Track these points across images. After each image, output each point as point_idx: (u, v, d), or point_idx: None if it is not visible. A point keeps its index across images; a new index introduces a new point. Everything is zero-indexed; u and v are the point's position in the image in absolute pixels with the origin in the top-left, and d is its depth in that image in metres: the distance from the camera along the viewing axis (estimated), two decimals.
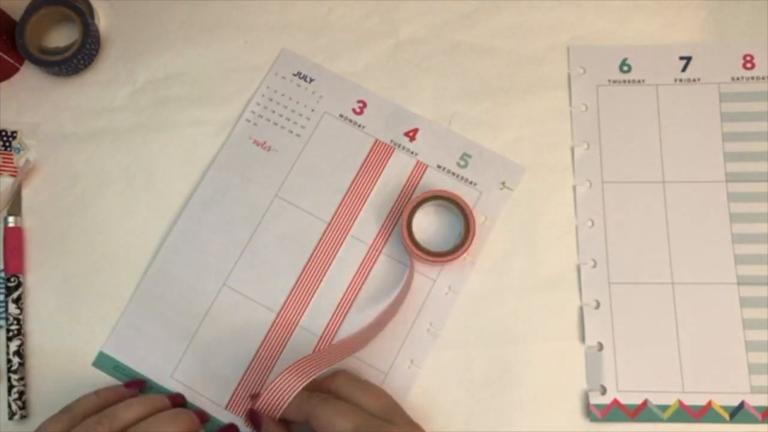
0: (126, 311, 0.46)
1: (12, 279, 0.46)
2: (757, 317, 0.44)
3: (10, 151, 0.49)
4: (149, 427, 0.40)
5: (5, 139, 0.50)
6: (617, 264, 0.46)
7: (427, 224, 0.47)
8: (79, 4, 0.50)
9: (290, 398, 0.39)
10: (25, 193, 0.49)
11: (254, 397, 0.43)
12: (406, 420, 0.40)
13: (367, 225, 0.47)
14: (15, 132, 0.50)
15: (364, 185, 0.48)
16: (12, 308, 0.46)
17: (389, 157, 0.48)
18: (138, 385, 0.44)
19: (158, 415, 0.41)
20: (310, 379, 0.40)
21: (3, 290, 0.47)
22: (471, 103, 0.49)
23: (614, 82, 0.49)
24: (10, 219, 0.48)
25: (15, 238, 0.47)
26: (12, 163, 0.49)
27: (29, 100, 0.50)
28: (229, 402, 0.45)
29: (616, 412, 0.44)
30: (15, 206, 0.48)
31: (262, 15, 0.51)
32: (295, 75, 0.50)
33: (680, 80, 0.48)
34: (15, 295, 0.46)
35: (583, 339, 0.45)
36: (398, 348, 0.45)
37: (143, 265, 0.47)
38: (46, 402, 0.45)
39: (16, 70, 0.51)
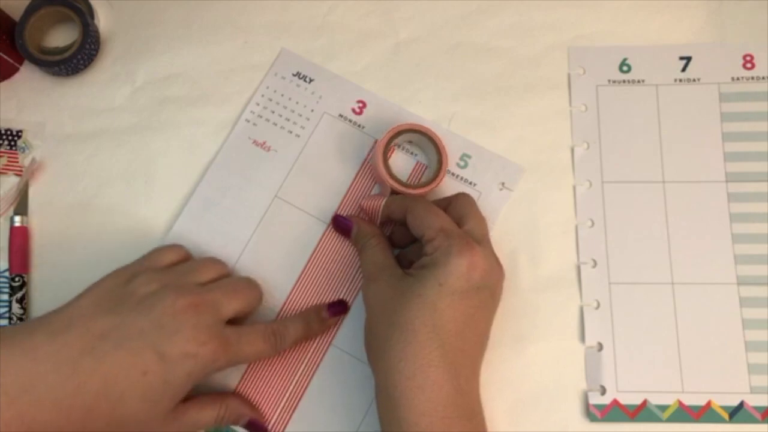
0: None
1: (16, 278, 0.46)
2: (757, 317, 0.44)
3: (16, 150, 0.49)
4: (231, 283, 0.42)
5: (10, 138, 0.50)
6: (617, 264, 0.46)
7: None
8: (78, 4, 0.50)
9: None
10: (30, 193, 0.49)
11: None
12: (491, 251, 0.41)
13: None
14: (20, 131, 0.50)
15: (364, 185, 0.48)
16: (15, 308, 0.46)
17: (389, 158, 0.48)
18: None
19: (235, 277, 0.44)
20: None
21: (7, 290, 0.47)
22: (471, 103, 0.49)
23: (614, 82, 0.49)
24: (17, 218, 0.48)
25: (21, 238, 0.47)
26: (17, 162, 0.49)
27: (29, 100, 0.50)
28: None
29: (616, 412, 0.44)
30: (21, 206, 0.48)
31: (262, 15, 0.51)
32: (294, 75, 0.50)
33: (680, 80, 0.48)
34: (19, 295, 0.46)
35: (583, 339, 0.45)
36: None
37: None
38: None
39: (16, 70, 0.51)
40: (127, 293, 0.39)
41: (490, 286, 0.40)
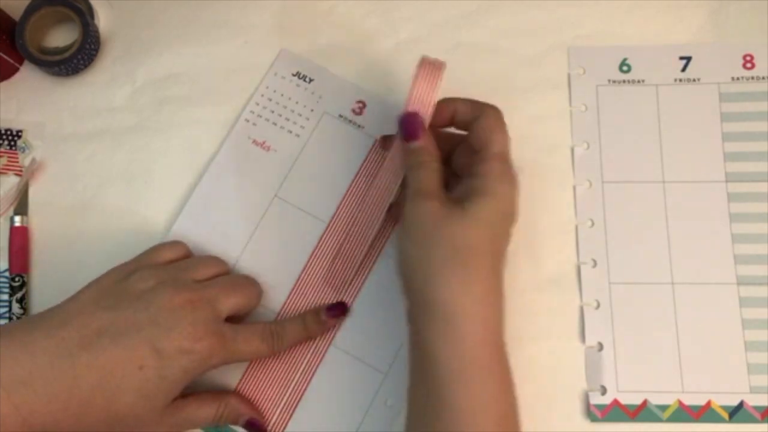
0: None
1: (16, 278, 0.46)
2: (757, 317, 0.44)
3: (16, 150, 0.49)
4: (230, 280, 0.43)
5: (10, 138, 0.50)
6: (617, 264, 0.46)
7: None
8: (78, 5, 0.50)
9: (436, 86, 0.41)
10: (30, 193, 0.49)
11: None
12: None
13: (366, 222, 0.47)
14: (20, 131, 0.50)
15: (364, 185, 0.48)
16: (15, 308, 0.46)
17: (388, 156, 0.48)
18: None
19: (234, 274, 0.45)
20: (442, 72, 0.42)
21: (7, 290, 0.47)
22: None
23: (614, 82, 0.49)
24: (17, 218, 0.48)
25: (21, 238, 0.47)
26: (17, 162, 0.49)
27: (29, 100, 0.50)
28: None
29: (617, 412, 0.44)
30: (21, 206, 0.48)
31: (262, 15, 0.51)
32: (294, 75, 0.50)
33: (680, 80, 0.48)
34: (19, 295, 0.46)
35: (583, 339, 0.45)
36: (398, 347, 0.45)
37: None
38: None
39: (16, 70, 0.51)
40: (124, 289, 0.40)
41: (516, 212, 0.40)
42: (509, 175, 0.39)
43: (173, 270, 0.42)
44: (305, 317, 0.44)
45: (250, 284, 0.44)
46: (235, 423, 0.43)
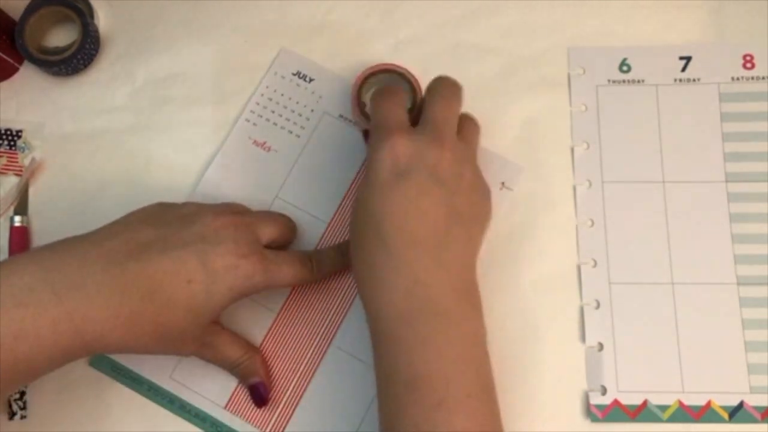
0: None
1: None
2: (757, 317, 0.44)
3: (15, 150, 0.49)
4: (266, 212, 0.45)
5: (10, 138, 0.50)
6: (617, 264, 0.46)
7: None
8: (78, 4, 0.50)
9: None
10: (30, 193, 0.49)
11: None
12: (448, 137, 0.40)
13: None
14: (20, 131, 0.50)
15: None
16: None
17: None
18: None
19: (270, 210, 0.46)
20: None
21: None
22: (471, 103, 0.49)
23: (614, 82, 0.49)
24: (17, 218, 0.48)
25: (21, 238, 0.47)
26: (17, 162, 0.49)
27: (29, 100, 0.50)
28: (228, 401, 0.45)
29: (617, 412, 0.44)
30: (21, 206, 0.48)
31: (262, 15, 0.51)
32: (294, 75, 0.50)
33: (680, 80, 0.48)
34: None
35: (583, 339, 0.45)
36: None
37: None
38: (46, 402, 0.45)
39: (16, 70, 0.51)
40: (169, 211, 0.41)
41: (424, 168, 0.38)
42: (378, 140, 0.39)
43: (212, 204, 0.43)
44: (343, 247, 0.45)
45: (287, 218, 0.45)
46: (245, 379, 0.44)
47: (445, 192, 0.38)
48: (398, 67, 0.47)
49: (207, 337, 0.41)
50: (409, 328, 0.36)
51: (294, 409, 0.45)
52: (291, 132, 0.49)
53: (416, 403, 0.34)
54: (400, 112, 0.41)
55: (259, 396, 0.43)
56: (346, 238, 0.46)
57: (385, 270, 0.37)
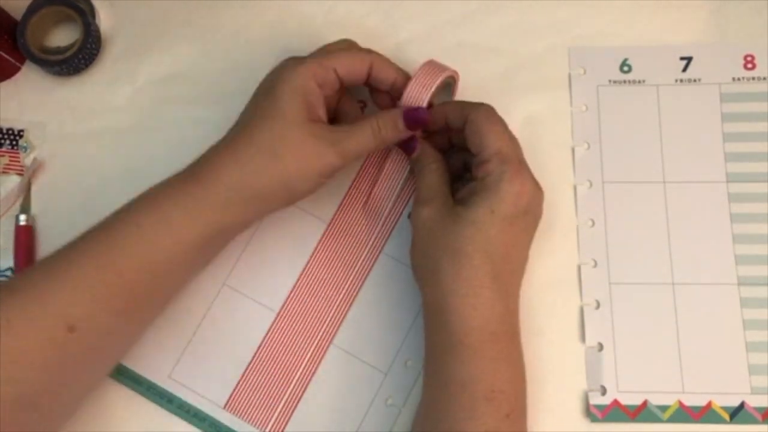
0: None
1: None
2: (758, 318, 0.44)
3: (17, 150, 0.50)
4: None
5: (12, 138, 0.50)
6: (617, 264, 0.46)
7: None
8: (80, 4, 0.50)
9: (433, 85, 0.43)
10: (31, 192, 0.49)
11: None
12: (530, 172, 0.41)
13: (367, 225, 0.47)
14: (22, 131, 0.50)
15: (364, 185, 0.48)
16: None
17: (389, 157, 0.48)
18: None
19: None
20: (443, 75, 0.43)
21: None
22: None
23: (615, 82, 0.49)
24: (22, 217, 0.48)
25: (26, 237, 0.48)
26: (19, 162, 0.49)
27: (30, 100, 0.50)
28: (227, 402, 0.45)
29: (617, 412, 0.43)
30: (24, 205, 0.48)
31: (262, 15, 0.51)
32: None
33: (681, 80, 0.48)
34: None
35: (583, 339, 0.45)
36: (397, 348, 0.45)
37: None
38: None
39: (18, 69, 0.51)
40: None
41: (533, 210, 0.41)
42: (511, 173, 0.39)
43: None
44: (378, 121, 0.42)
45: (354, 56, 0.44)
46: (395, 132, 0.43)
47: (535, 228, 0.42)
48: (455, 72, 0.46)
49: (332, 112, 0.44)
50: (496, 346, 0.39)
51: (294, 409, 0.45)
52: None
53: (491, 413, 0.38)
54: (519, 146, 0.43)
55: (419, 118, 0.42)
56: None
57: (486, 292, 0.39)
